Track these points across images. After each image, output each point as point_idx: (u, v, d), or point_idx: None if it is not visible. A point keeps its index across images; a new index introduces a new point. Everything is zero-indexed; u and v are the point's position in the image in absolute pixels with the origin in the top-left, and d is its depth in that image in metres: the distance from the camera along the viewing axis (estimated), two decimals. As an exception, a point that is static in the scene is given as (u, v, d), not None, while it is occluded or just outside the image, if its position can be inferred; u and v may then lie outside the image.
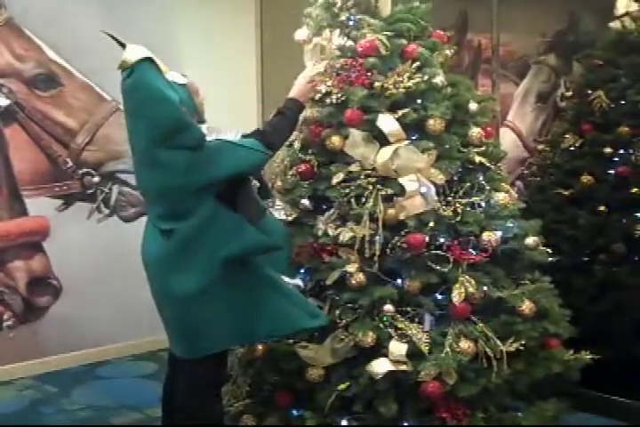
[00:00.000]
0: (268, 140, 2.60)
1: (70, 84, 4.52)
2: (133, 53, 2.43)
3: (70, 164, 4.54)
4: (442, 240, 2.74)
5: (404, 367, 2.60)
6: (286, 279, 2.69)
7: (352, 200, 2.73)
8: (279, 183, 3.06)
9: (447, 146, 2.81)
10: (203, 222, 2.46)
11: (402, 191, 2.69)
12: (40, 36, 4.39)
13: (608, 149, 3.99)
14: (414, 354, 2.60)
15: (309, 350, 2.72)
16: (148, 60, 2.43)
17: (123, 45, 2.49)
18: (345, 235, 2.71)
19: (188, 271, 2.46)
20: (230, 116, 5.01)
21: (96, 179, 4.62)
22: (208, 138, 2.53)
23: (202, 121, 2.67)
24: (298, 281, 2.80)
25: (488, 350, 2.64)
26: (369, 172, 2.74)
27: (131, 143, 2.55)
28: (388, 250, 2.70)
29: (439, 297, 2.73)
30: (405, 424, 2.66)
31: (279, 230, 2.80)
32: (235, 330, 2.54)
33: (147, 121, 2.43)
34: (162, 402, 2.79)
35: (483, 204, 2.83)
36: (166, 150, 2.42)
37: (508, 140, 5.70)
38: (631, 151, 3.95)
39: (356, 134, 2.77)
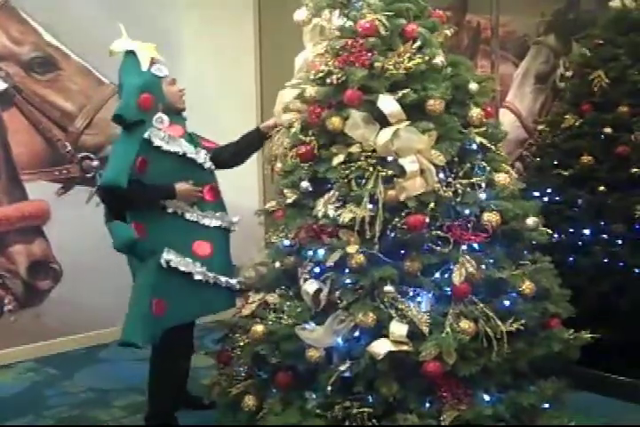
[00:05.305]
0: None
1: (68, 67, 4.50)
2: (117, 45, 3.17)
3: (69, 147, 4.53)
4: (442, 221, 2.74)
5: (404, 348, 2.60)
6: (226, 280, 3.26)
7: (352, 181, 2.72)
8: (279, 165, 3.06)
9: (447, 127, 2.79)
10: None
11: (402, 172, 2.68)
12: (37, 19, 4.36)
13: (608, 129, 3.99)
14: (415, 334, 2.61)
15: (309, 332, 2.73)
16: (131, 53, 3.13)
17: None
18: (345, 216, 2.71)
19: None
20: (229, 99, 5.03)
21: (95, 163, 4.61)
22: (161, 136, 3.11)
23: (182, 109, 3.27)
24: (236, 281, 3.25)
25: (488, 329, 2.64)
26: (369, 153, 2.73)
27: None
28: (388, 231, 2.70)
29: (439, 278, 2.74)
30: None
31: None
32: None
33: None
34: None
35: (483, 184, 2.83)
36: None
37: (507, 120, 5.70)
38: (631, 131, 3.94)
39: (356, 115, 2.75)
